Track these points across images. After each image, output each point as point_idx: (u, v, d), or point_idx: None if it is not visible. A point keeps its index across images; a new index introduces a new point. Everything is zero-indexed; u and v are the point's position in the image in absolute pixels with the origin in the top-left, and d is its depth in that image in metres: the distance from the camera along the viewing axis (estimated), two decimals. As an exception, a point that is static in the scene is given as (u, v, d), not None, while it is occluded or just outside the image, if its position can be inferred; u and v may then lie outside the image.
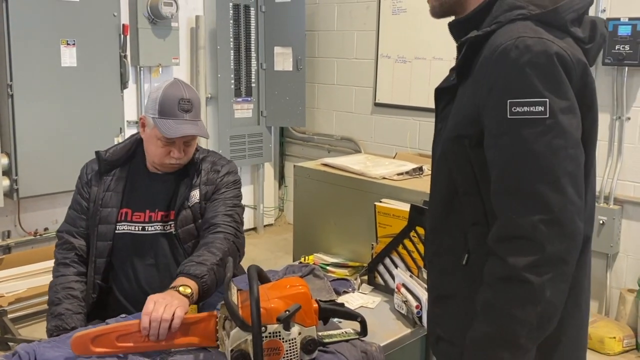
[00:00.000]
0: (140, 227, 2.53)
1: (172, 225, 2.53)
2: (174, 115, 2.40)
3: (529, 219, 1.37)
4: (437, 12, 1.69)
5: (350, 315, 2.08)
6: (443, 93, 1.66)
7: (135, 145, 2.61)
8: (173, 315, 1.96)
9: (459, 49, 1.59)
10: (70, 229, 2.59)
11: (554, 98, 1.38)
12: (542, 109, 1.37)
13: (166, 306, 1.97)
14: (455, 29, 1.66)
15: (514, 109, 1.39)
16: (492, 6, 1.55)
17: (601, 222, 4.47)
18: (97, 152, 2.58)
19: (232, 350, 1.83)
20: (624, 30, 4.27)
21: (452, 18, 1.69)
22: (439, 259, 1.68)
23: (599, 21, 1.58)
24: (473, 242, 1.54)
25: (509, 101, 1.39)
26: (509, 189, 1.41)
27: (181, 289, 2.11)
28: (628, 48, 4.26)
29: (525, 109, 1.38)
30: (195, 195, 2.56)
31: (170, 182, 2.58)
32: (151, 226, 2.53)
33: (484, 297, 1.45)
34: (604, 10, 4.43)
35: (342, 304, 2.20)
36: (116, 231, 2.52)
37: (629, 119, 4.43)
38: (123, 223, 2.53)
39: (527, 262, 1.36)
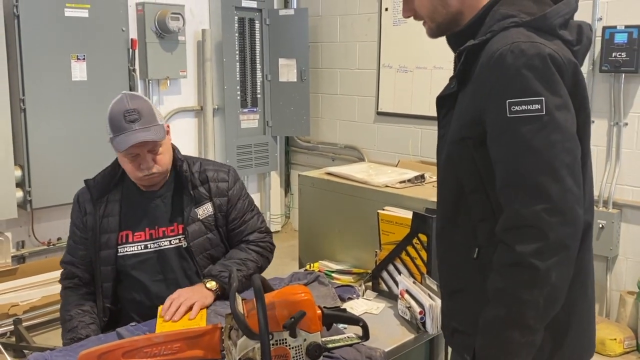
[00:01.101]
0: (142, 246, 2.49)
1: (180, 239, 2.50)
2: (123, 129, 2.30)
3: (532, 208, 1.43)
4: (435, 33, 1.75)
5: (353, 320, 2.07)
6: (444, 100, 1.72)
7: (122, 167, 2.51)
8: (191, 306, 2.30)
9: (457, 58, 1.66)
10: (71, 259, 2.56)
11: (549, 96, 1.44)
12: (539, 107, 1.44)
13: (187, 299, 2.31)
14: (453, 41, 1.72)
15: (513, 108, 1.46)
16: (486, 17, 1.62)
17: (601, 225, 4.45)
18: (85, 181, 2.51)
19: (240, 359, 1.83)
20: (620, 38, 4.27)
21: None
22: (449, 255, 1.75)
23: (585, 25, 1.65)
24: (482, 237, 1.60)
25: (508, 101, 1.46)
26: (512, 183, 1.47)
27: (208, 285, 2.40)
28: (624, 55, 4.25)
29: (524, 107, 1.45)
30: (208, 208, 2.55)
31: (167, 197, 2.54)
32: (153, 243, 2.49)
33: (494, 283, 1.52)
34: (601, 19, 4.43)
35: (345, 310, 2.20)
36: (118, 254, 2.48)
37: (626, 124, 4.42)
38: (125, 245, 2.49)
39: (532, 249, 1.43)
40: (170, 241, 2.51)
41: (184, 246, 2.50)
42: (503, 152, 1.49)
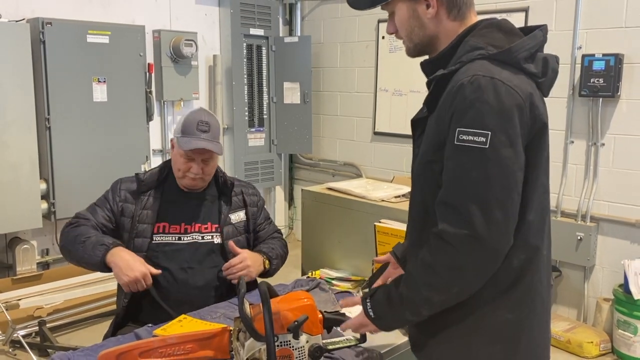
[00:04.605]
0: (176, 237, 2.58)
1: (213, 236, 2.60)
2: (192, 134, 2.49)
3: (456, 231, 1.45)
4: (412, 52, 1.75)
5: (352, 324, 2.08)
6: (417, 124, 1.71)
7: (167, 170, 2.66)
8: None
9: (428, 85, 1.65)
10: (90, 218, 2.59)
11: (496, 131, 1.42)
12: (484, 140, 1.42)
13: (250, 267, 2.51)
14: (426, 67, 1.71)
15: (460, 137, 1.45)
16: (458, 47, 1.61)
17: (579, 237, 4.46)
18: (136, 174, 2.64)
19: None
20: (598, 65, 4.29)
21: (424, 58, 1.75)
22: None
23: (551, 57, 1.62)
24: None
25: (457, 129, 1.46)
26: (446, 202, 1.49)
27: (266, 263, 2.62)
28: (602, 81, 4.28)
29: (470, 138, 1.44)
30: (241, 215, 2.71)
31: (206, 200, 2.66)
32: (187, 237, 2.58)
33: (410, 266, 1.60)
34: (580, 47, 4.46)
35: (344, 314, 2.20)
36: (152, 242, 2.55)
37: (603, 144, 4.44)
38: (160, 235, 2.57)
39: (445, 262, 1.48)
40: (203, 237, 2.60)
41: (216, 242, 2.60)
42: (446, 174, 1.50)
